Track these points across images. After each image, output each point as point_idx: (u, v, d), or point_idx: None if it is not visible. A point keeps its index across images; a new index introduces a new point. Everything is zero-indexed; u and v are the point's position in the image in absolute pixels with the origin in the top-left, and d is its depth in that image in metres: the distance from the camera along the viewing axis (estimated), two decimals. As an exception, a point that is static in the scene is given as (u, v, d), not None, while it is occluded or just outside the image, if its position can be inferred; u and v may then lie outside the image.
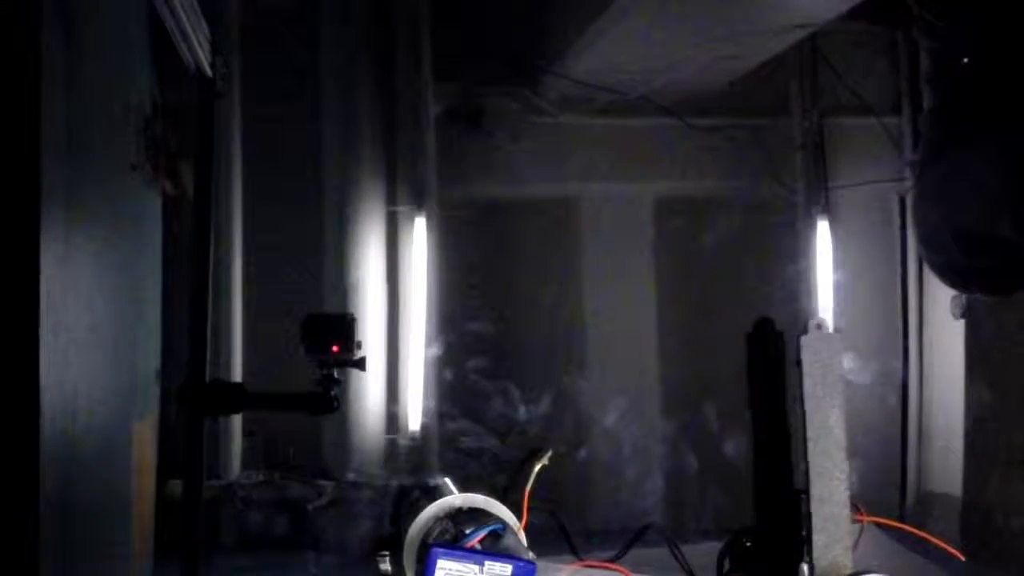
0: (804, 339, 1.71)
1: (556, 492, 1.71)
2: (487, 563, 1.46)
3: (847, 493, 1.70)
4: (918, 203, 3.61)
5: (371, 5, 6.12)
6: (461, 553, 1.46)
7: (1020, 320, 4.86)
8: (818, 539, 1.66)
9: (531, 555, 1.53)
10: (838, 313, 6.33)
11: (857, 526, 1.71)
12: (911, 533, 1.72)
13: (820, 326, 1.73)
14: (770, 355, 1.78)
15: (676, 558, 1.75)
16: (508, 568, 1.47)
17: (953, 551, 1.62)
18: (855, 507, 1.74)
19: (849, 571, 1.67)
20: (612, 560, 1.63)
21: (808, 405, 1.70)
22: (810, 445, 1.69)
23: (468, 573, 1.44)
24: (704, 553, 1.80)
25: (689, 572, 1.72)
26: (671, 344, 6.39)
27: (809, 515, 1.67)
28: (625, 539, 1.75)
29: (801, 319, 1.74)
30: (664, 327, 6.42)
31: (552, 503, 1.67)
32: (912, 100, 6.25)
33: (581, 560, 1.60)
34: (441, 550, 1.45)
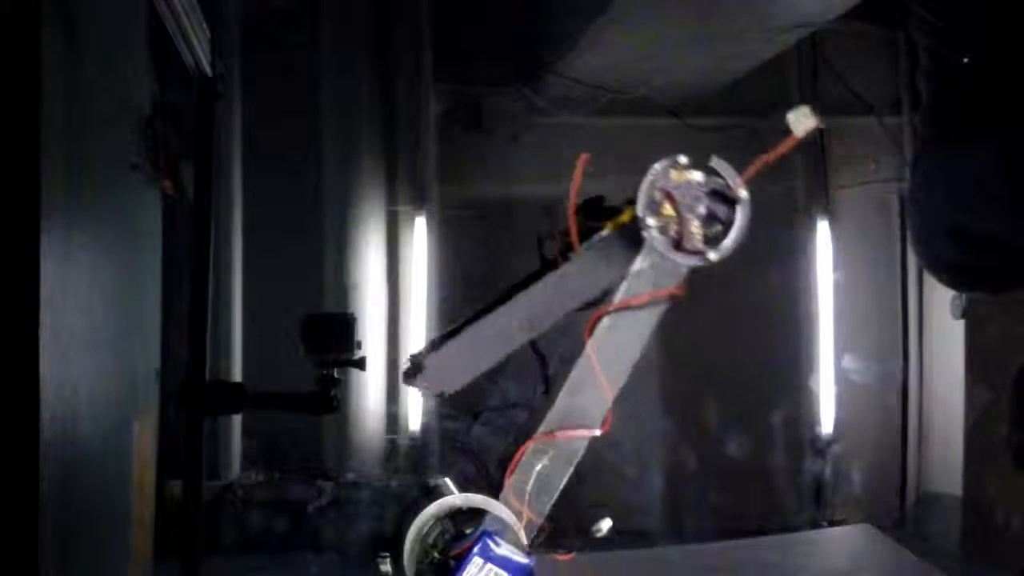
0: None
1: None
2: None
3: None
4: (912, 199, 3.62)
5: (371, 5, 6.12)
6: None
7: (1020, 320, 4.86)
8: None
9: (527, 548, 1.53)
10: (838, 313, 6.33)
11: None
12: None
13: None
14: None
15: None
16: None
17: None
18: None
19: None
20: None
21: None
22: None
23: None
24: (705, 553, 1.79)
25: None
26: (670, 344, 6.38)
27: None
28: (620, 539, 1.75)
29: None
30: (663, 327, 6.40)
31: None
32: (912, 100, 6.25)
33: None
34: None
